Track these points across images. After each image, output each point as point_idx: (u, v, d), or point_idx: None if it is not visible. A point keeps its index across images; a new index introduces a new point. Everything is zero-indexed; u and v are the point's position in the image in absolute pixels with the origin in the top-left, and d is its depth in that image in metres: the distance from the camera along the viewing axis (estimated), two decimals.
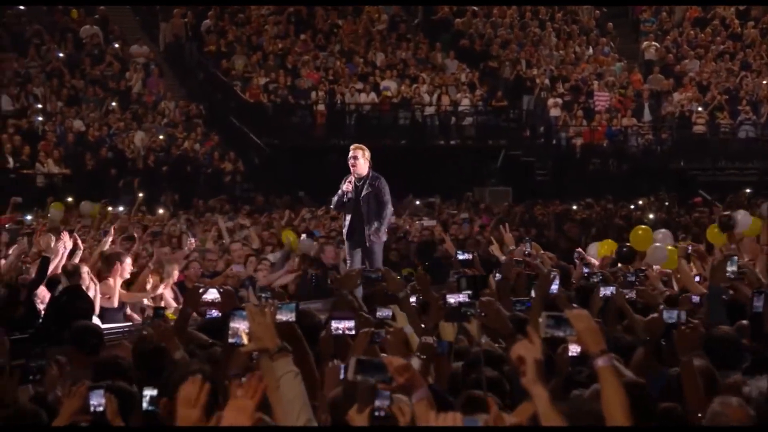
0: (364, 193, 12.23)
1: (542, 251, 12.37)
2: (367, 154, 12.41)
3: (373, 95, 29.83)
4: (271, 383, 4.69)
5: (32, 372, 6.14)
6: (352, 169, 12.34)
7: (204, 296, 7.44)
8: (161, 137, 26.75)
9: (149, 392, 5.20)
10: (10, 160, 24.39)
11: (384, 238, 12.46)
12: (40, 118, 26.38)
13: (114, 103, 27.70)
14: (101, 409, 5.15)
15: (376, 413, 4.44)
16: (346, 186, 12.28)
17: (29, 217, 17.95)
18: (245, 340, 5.05)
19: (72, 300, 10.69)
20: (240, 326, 5.11)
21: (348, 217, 12.36)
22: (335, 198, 12.45)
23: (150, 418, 5.15)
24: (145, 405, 5.20)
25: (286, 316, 5.62)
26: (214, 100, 29.73)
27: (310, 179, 26.34)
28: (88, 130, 26.26)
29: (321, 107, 29.15)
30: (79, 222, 17.20)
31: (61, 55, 28.72)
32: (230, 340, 5.18)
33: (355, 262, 12.16)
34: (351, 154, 12.42)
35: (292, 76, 29.66)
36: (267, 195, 25.19)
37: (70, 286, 10.95)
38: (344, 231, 12.61)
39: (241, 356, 5.63)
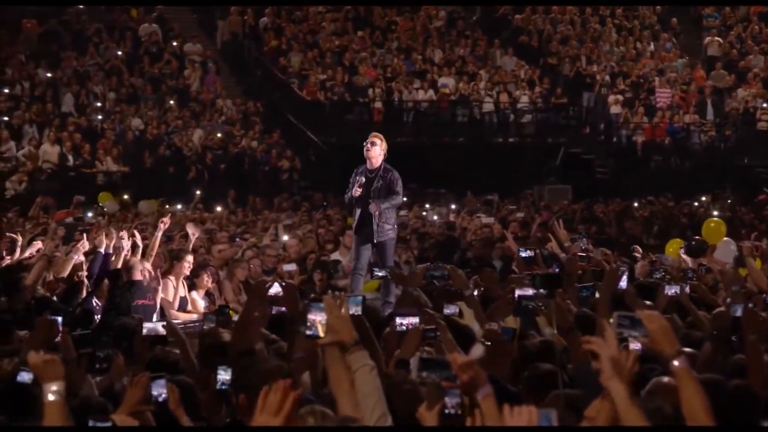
0: (374, 186, 11.71)
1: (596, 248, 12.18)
2: (385, 145, 11.97)
3: (430, 92, 29.67)
4: (338, 377, 4.72)
5: (99, 361, 6.17)
6: (366, 154, 11.86)
7: (269, 291, 7.42)
8: (219, 135, 26.78)
9: (224, 375, 5.26)
10: (71, 158, 24.54)
11: (392, 234, 11.77)
12: (100, 117, 26.53)
13: (172, 101, 27.79)
14: (163, 398, 5.16)
15: (447, 411, 4.34)
16: (357, 180, 11.77)
17: (90, 214, 18.03)
18: (321, 333, 5.00)
19: (132, 295, 10.68)
20: (317, 318, 5.06)
21: (358, 211, 11.80)
22: (348, 194, 11.98)
23: (222, 397, 5.18)
24: (218, 385, 5.29)
25: (352, 309, 5.54)
26: (272, 97, 29.70)
27: None
28: (146, 128, 26.36)
29: (378, 105, 29.03)
30: (138, 219, 17.24)
31: (119, 53, 28.88)
32: (306, 333, 5.15)
33: (362, 259, 11.64)
34: (369, 139, 12.00)
35: (349, 73, 29.58)
36: (324, 193, 25.11)
37: (132, 281, 10.95)
38: (354, 225, 12.14)
39: (303, 338, 5.62)
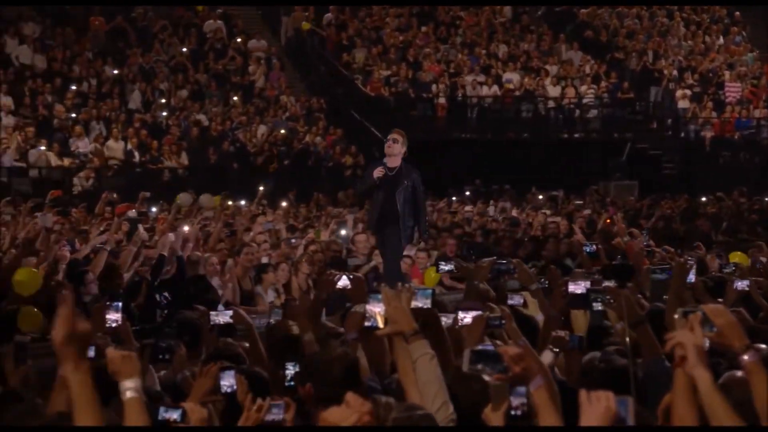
0: (400, 187, 11.31)
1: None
2: (406, 143, 11.60)
3: (495, 88, 29.50)
4: (405, 366, 4.75)
5: (161, 352, 6.16)
6: (387, 150, 11.52)
7: (338, 283, 7.41)
8: (282, 131, 26.84)
9: (292, 369, 5.24)
10: (137, 154, 24.74)
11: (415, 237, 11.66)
12: (165, 113, 26.72)
13: (236, 97, 27.93)
14: (232, 389, 5.15)
15: (513, 412, 4.27)
16: (377, 172, 11.35)
17: (154, 209, 18.13)
18: (381, 323, 5.06)
19: (197, 290, 10.73)
20: (376, 309, 5.11)
21: (377, 209, 11.50)
22: (362, 184, 11.86)
23: (290, 394, 5.14)
24: (287, 382, 5.26)
25: (422, 302, 5.52)
26: (335, 93, 29.73)
27: (430, 173, 26.12)
28: (211, 124, 26.50)
29: (442, 100, 28.93)
30: (201, 214, 17.31)
31: (184, 50, 29.08)
32: (366, 324, 5.21)
33: (392, 258, 11.33)
34: (391, 135, 11.69)
35: (413, 69, 29.52)
36: None
37: (196, 276, 11.01)
38: (372, 223, 11.92)
39: (356, 318, 5.66)
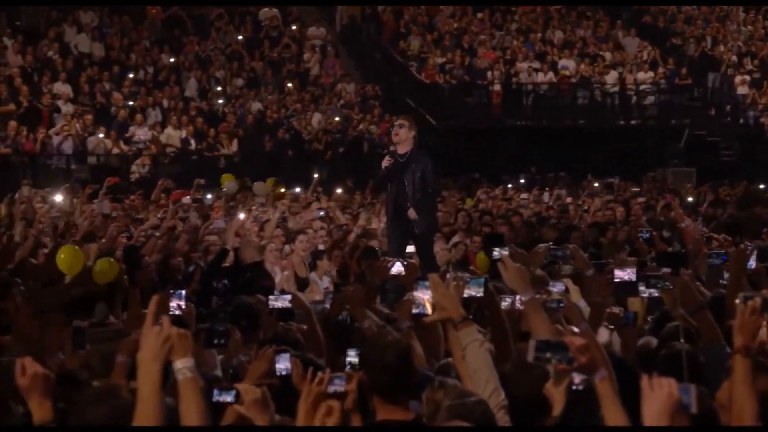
0: (408, 174, 11.00)
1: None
2: (414, 128, 11.26)
3: (551, 74, 29.32)
4: (457, 353, 4.77)
5: (217, 336, 6.16)
6: (393, 138, 11.30)
7: (391, 270, 7.59)
8: (337, 119, 26.88)
9: (353, 357, 5.23)
10: (193, 142, 24.91)
11: (434, 225, 11.39)
12: (221, 101, 26.86)
13: (290, 84, 28.01)
14: (287, 372, 5.17)
15: (574, 387, 4.31)
16: (385, 162, 11.11)
17: (209, 196, 18.24)
18: (429, 310, 5.05)
19: (255, 276, 10.76)
20: (424, 296, 5.09)
21: (391, 198, 11.22)
22: (375, 176, 11.48)
23: None
24: (347, 368, 5.21)
25: (474, 291, 5.46)
26: (390, 81, 29.70)
27: (485, 160, 26.10)
28: (266, 111, 26.59)
29: (497, 87, 28.80)
30: (254, 201, 17.38)
31: (240, 38, 29.21)
32: (414, 311, 5.22)
33: (396, 249, 10.96)
34: (397, 121, 11.39)
35: (468, 55, 29.41)
36: (442, 176, 24.99)
37: (255, 263, 11.04)
38: (387, 213, 11.62)
39: (409, 306, 5.63)
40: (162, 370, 3.88)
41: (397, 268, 7.62)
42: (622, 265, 7.00)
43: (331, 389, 4.28)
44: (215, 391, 4.44)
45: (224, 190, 17.72)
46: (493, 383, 4.69)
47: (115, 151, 23.87)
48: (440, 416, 4.39)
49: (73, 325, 6.17)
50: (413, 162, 11.03)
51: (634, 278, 6.47)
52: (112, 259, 9.16)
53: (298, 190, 20.31)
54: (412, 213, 10.94)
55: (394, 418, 4.50)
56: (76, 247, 9.71)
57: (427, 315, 5.09)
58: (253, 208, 15.81)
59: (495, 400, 4.62)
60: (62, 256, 9.55)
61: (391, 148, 11.39)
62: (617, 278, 6.59)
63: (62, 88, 24.75)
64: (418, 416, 4.57)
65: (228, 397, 4.41)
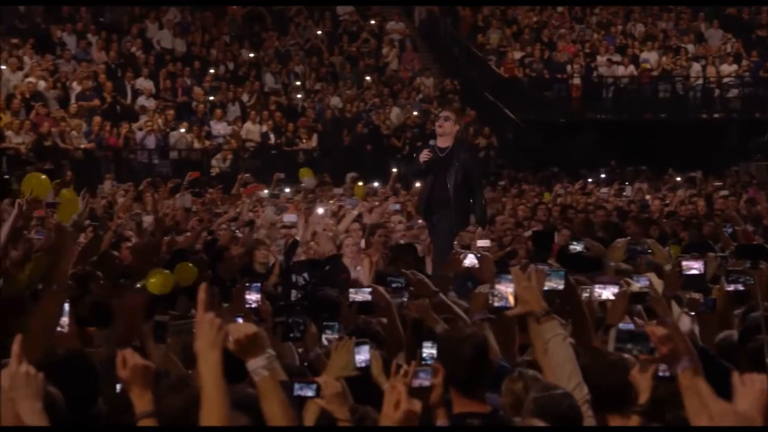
0: (451, 169, 10.50)
1: None
2: (460, 123, 10.97)
3: (631, 68, 28.98)
4: (542, 347, 4.78)
5: (293, 329, 6.18)
6: (437, 130, 10.81)
7: (464, 262, 7.51)
8: (415, 113, 26.88)
9: (429, 349, 5.20)
10: (272, 136, 25.09)
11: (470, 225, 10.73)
12: (300, 96, 27.02)
13: (368, 77, 28.07)
14: (366, 364, 5.16)
15: (660, 374, 4.29)
16: (424, 155, 10.63)
17: (287, 190, 18.35)
18: (512, 303, 5.04)
19: (334, 270, 10.80)
20: (507, 289, 5.08)
21: (426, 193, 10.79)
22: (410, 167, 11.12)
23: None
24: (423, 360, 5.21)
25: (555, 283, 5.49)
26: (469, 75, 29.61)
27: (564, 154, 25.91)
28: (345, 106, 26.68)
29: (577, 81, 28.57)
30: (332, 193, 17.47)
31: (319, 33, 29.35)
32: (496, 304, 5.19)
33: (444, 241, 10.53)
34: (442, 113, 11.07)
35: (548, 49, 29.21)
36: (520, 170, 24.92)
37: (333, 256, 11.08)
38: (420, 207, 11.21)
39: (482, 298, 5.63)
40: (221, 358, 3.82)
41: (470, 260, 7.55)
42: (691, 259, 7.02)
43: (416, 383, 4.25)
44: (296, 386, 4.41)
45: (303, 185, 17.84)
46: (577, 377, 4.67)
47: (196, 145, 24.12)
48: (526, 408, 4.37)
49: (155, 319, 6.21)
50: (455, 159, 10.57)
51: (703, 271, 6.47)
52: (165, 271, 9.09)
53: (376, 184, 20.36)
54: (479, 234, 10.42)
55: (471, 411, 4.50)
56: (167, 272, 9.79)
57: (509, 308, 5.09)
58: (331, 201, 15.90)
59: (579, 394, 4.60)
60: (152, 280, 9.62)
61: (431, 142, 10.90)
62: (687, 271, 6.54)
63: (145, 83, 25.08)
64: (495, 409, 4.57)
65: (309, 392, 4.39)
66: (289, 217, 12.48)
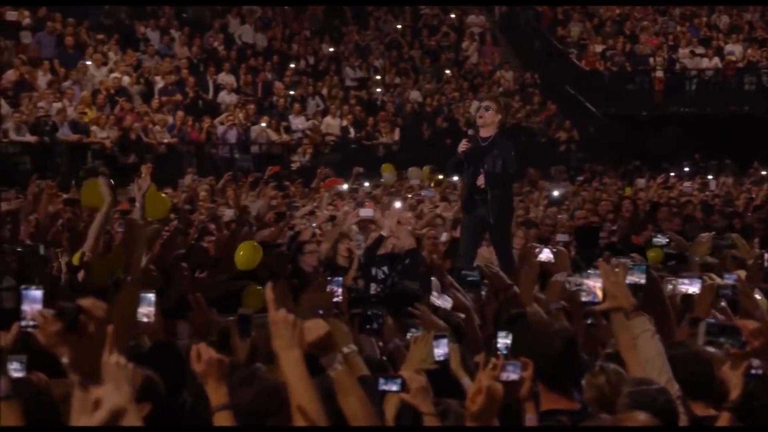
0: (489, 158, 10.18)
1: None
2: (502, 112, 10.50)
3: (716, 60, 28.53)
4: (627, 341, 4.71)
5: (369, 321, 6.19)
6: (478, 121, 10.53)
7: (539, 256, 7.42)
8: None
9: (504, 339, 5.20)
10: (352, 130, 25.18)
11: (510, 215, 10.51)
12: (380, 90, 27.08)
13: (448, 71, 28.03)
14: (445, 357, 5.14)
15: (752, 371, 4.23)
16: (462, 146, 10.33)
17: (366, 184, 18.42)
18: (600, 298, 5.00)
19: (413, 263, 10.81)
20: (595, 285, 5.03)
21: (465, 185, 10.47)
22: (450, 160, 10.67)
23: None
24: (499, 351, 5.18)
25: (636, 277, 5.40)
26: (550, 68, 29.43)
27: (647, 148, 25.62)
28: (425, 100, 26.67)
29: (659, 73, 28.21)
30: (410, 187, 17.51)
31: (399, 26, 29.38)
32: (585, 299, 5.13)
33: (471, 246, 10.30)
34: (483, 103, 10.64)
35: (630, 42, 28.90)
36: (602, 164, 24.71)
37: (412, 250, 11.09)
38: (462, 200, 10.82)
39: (557, 287, 5.62)
40: (302, 354, 3.83)
41: (546, 254, 7.47)
42: None
43: (504, 376, 4.20)
44: (381, 381, 4.37)
45: (383, 180, 17.90)
46: (667, 374, 4.61)
47: (277, 139, 24.28)
48: (620, 403, 4.29)
49: (238, 313, 6.23)
50: (496, 148, 10.27)
51: None
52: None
53: (456, 178, 20.32)
54: (480, 180, 10.16)
55: (560, 408, 4.47)
56: (255, 243, 9.87)
57: (597, 303, 5.05)
58: (408, 196, 15.91)
59: (670, 390, 4.53)
60: (241, 252, 9.71)
61: (469, 132, 10.86)
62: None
63: (226, 78, 25.33)
64: (584, 406, 4.52)
65: (394, 386, 4.33)
66: (365, 212, 12.48)
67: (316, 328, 4.01)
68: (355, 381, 4.09)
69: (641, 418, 3.92)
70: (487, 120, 10.32)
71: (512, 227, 11.02)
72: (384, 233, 11.43)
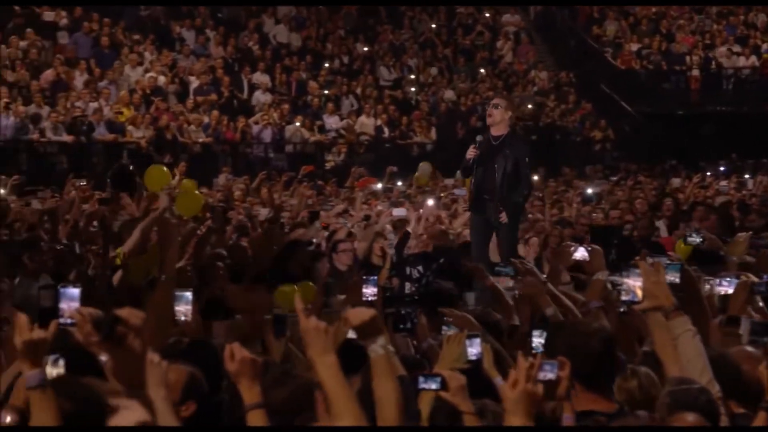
0: (500, 155, 9.83)
1: None
2: (511, 109, 10.18)
3: (753, 58, 28.35)
4: (666, 341, 4.69)
5: (404, 320, 6.17)
6: (488, 119, 10.14)
7: (574, 254, 7.48)
8: (530, 106, 26.75)
9: (539, 338, 5.17)
10: (386, 130, 25.21)
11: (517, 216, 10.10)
12: (414, 89, 27.12)
13: (482, 70, 28.04)
14: (477, 356, 5.17)
15: None
16: (470, 152, 9.92)
17: (399, 183, 18.47)
18: (639, 297, 4.96)
19: (449, 263, 10.82)
20: (635, 283, 4.98)
21: (474, 184, 10.10)
22: (462, 166, 10.28)
23: None
24: (534, 350, 5.16)
25: (672, 276, 5.36)
26: (585, 67, 29.38)
27: (683, 147, 25.49)
28: (459, 99, 26.67)
29: (695, 72, 28.08)
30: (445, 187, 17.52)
31: (433, 26, 29.41)
32: (624, 298, 5.09)
33: (480, 241, 10.04)
34: (492, 101, 10.33)
35: (666, 40, 28.79)
36: (637, 163, 24.63)
37: (447, 249, 11.12)
38: (470, 201, 10.50)
39: (598, 286, 5.63)
40: (336, 358, 3.86)
41: (581, 253, 7.50)
42: None
43: (542, 375, 4.14)
44: (420, 379, 4.38)
45: (416, 175, 17.95)
46: (708, 374, 4.58)
47: (312, 139, 24.36)
48: (661, 403, 4.28)
49: (274, 313, 6.28)
50: (507, 147, 9.93)
51: None
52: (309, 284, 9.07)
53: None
54: (503, 217, 9.84)
55: (598, 409, 4.44)
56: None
57: (637, 302, 5.00)
58: (442, 195, 15.93)
59: (711, 390, 4.51)
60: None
61: (477, 138, 10.27)
62: None
63: (261, 78, 25.44)
64: (621, 407, 4.50)
65: (433, 385, 4.33)
66: (398, 211, 12.48)
67: (360, 313, 4.03)
68: (394, 366, 4.13)
69: (690, 419, 3.88)
70: (496, 118, 10.01)
71: (519, 231, 10.61)
72: (410, 230, 11.48)
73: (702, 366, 4.61)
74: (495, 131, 10.00)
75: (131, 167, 10.86)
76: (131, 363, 3.67)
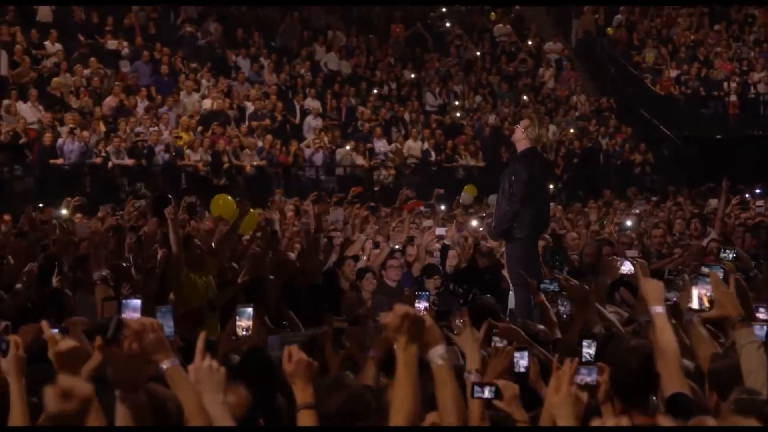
0: (506, 171, 9.98)
1: None
2: (531, 130, 9.97)
3: None
4: (706, 356, 4.71)
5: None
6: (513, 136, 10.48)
7: (621, 268, 7.66)
8: (572, 131, 27.33)
9: (588, 348, 5.23)
10: (432, 153, 25.85)
11: (518, 234, 9.88)
12: (459, 114, 27.76)
13: (525, 96, 28.64)
14: (524, 369, 5.26)
15: None
16: None
17: (443, 207, 19.00)
18: (707, 306, 5.05)
19: (493, 279, 11.39)
20: (703, 292, 5.06)
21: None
22: None
23: None
24: (583, 358, 5.23)
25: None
26: (625, 93, 29.95)
27: (721, 171, 25.89)
28: (503, 124, 27.32)
29: (733, 98, 28.62)
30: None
31: (478, 53, 30.09)
32: (691, 306, 5.14)
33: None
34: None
35: (704, 67, 29.34)
36: (676, 185, 25.11)
37: (491, 266, 11.59)
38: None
39: (687, 289, 5.46)
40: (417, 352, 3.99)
41: (627, 267, 7.59)
42: None
43: (579, 379, 4.19)
44: (475, 388, 4.39)
45: (461, 200, 18.52)
46: None
47: (361, 162, 25.07)
48: (725, 410, 4.24)
49: (334, 326, 6.62)
50: (513, 165, 10.08)
51: None
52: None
53: None
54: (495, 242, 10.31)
55: (636, 424, 4.43)
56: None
57: (703, 310, 5.05)
58: (483, 215, 16.51)
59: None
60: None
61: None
62: None
63: (312, 103, 26.18)
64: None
65: (488, 393, 4.35)
66: (440, 230, 12.74)
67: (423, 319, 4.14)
68: (454, 375, 4.21)
69: (751, 423, 3.88)
70: (516, 135, 10.16)
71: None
72: (447, 242, 12.03)
73: (765, 378, 4.61)
74: (518, 148, 10.22)
75: (169, 196, 11.34)
76: (131, 368, 3.76)
